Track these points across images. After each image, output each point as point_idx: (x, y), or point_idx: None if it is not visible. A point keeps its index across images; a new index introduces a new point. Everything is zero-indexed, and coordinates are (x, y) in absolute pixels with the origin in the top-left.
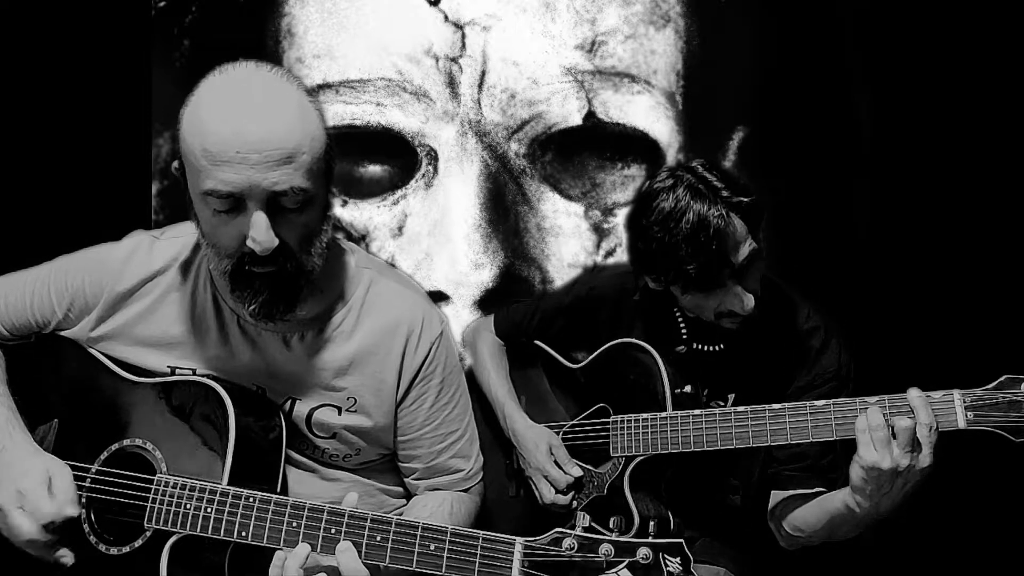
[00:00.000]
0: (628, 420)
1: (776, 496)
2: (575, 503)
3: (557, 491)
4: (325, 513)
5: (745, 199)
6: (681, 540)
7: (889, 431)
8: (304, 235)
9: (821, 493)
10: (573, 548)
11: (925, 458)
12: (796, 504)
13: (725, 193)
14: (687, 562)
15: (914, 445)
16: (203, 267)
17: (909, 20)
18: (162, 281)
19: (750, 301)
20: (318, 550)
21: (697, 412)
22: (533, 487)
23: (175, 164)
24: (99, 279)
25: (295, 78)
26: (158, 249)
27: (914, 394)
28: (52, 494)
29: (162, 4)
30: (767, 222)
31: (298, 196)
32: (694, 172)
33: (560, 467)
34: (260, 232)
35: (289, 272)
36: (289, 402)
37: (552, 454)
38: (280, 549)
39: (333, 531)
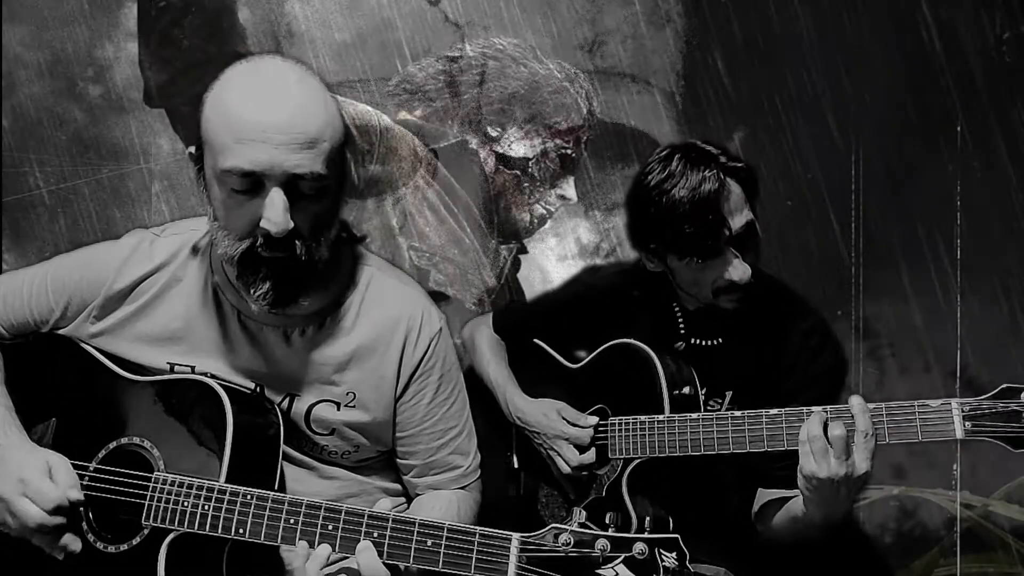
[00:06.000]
0: (626, 422)
1: (763, 495)
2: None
3: (581, 452)
4: (322, 510)
5: (741, 164)
6: (677, 536)
7: (826, 441)
8: (316, 224)
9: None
10: (569, 543)
11: (862, 465)
12: (777, 504)
13: (723, 159)
14: (683, 557)
15: (848, 453)
16: (204, 263)
17: None
18: (161, 277)
19: (747, 270)
20: (315, 546)
21: (695, 416)
22: (556, 458)
23: (191, 148)
24: (97, 277)
25: (315, 72)
26: (158, 246)
27: (855, 401)
28: (55, 481)
29: (162, 4)
30: (766, 222)
31: (316, 183)
32: (691, 144)
33: (576, 425)
34: (276, 212)
35: (298, 259)
36: (287, 399)
37: (563, 416)
38: (278, 545)
39: (330, 527)
